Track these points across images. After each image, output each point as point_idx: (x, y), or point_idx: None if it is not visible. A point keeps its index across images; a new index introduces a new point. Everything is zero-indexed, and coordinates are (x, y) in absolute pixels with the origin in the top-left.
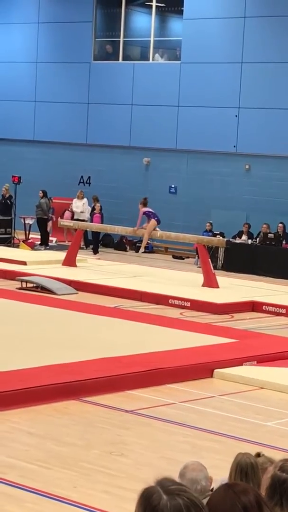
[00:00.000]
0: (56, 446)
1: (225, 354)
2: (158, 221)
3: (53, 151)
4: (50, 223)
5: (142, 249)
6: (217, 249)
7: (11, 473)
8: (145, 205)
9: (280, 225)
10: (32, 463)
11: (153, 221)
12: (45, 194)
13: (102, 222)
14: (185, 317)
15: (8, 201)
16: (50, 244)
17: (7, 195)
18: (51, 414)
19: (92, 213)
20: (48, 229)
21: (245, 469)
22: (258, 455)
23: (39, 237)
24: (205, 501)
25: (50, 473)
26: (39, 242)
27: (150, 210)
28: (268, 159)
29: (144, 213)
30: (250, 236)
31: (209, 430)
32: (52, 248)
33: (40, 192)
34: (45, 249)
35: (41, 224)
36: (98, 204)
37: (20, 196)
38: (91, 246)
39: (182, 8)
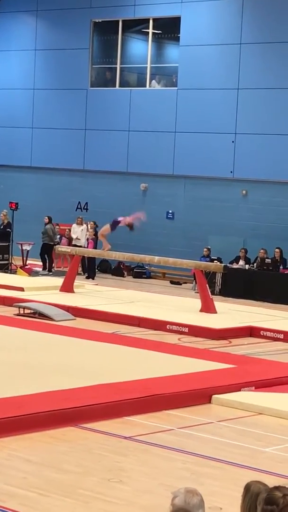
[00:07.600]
0: (54, 473)
1: (223, 379)
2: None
3: (50, 177)
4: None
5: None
6: (215, 274)
7: (10, 501)
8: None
9: (277, 250)
10: (30, 490)
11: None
12: (50, 220)
13: (95, 247)
14: (183, 343)
15: (6, 228)
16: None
17: (5, 222)
18: (49, 441)
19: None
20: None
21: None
22: None
23: (37, 263)
24: None
25: (49, 500)
26: (41, 269)
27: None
28: (264, 185)
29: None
30: (247, 261)
31: (208, 456)
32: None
33: (46, 218)
34: (43, 275)
35: (48, 250)
36: (91, 230)
37: (17, 222)
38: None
39: (178, 35)
